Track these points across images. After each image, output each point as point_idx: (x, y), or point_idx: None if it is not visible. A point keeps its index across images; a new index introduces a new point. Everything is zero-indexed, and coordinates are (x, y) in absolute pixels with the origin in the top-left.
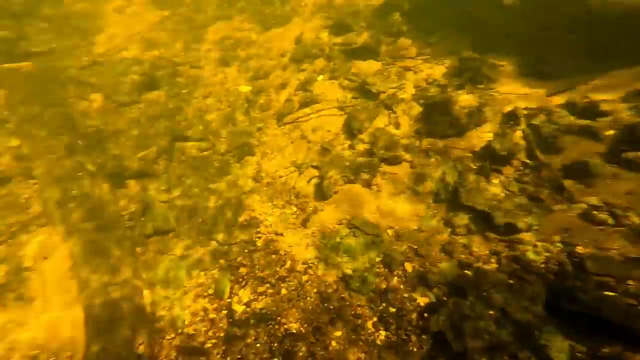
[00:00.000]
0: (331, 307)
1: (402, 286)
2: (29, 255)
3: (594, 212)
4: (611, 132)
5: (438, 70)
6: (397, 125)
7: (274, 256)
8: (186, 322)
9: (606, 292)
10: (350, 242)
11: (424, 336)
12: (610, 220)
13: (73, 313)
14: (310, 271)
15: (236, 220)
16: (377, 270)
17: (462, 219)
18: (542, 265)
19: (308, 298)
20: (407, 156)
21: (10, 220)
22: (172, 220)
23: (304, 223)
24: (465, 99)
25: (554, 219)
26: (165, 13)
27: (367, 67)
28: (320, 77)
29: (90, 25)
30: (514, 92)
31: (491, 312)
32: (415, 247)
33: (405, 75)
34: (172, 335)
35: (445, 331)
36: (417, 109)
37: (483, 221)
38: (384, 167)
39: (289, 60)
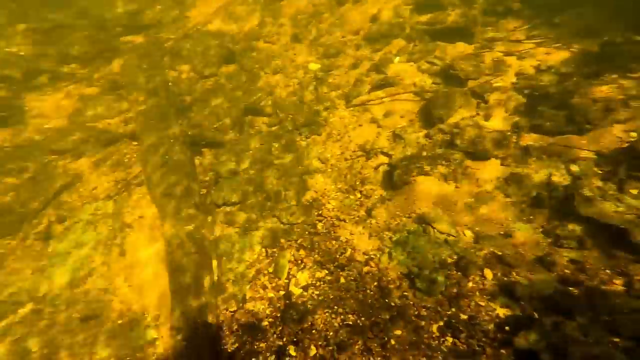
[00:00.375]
0: (392, 303)
1: (478, 293)
2: (130, 212)
3: None
4: None
5: (558, 56)
6: (488, 117)
7: (334, 242)
8: (247, 297)
9: None
10: (418, 237)
11: (503, 350)
12: None
13: (161, 276)
14: (372, 263)
15: (299, 200)
16: (449, 272)
17: (573, 231)
18: None
19: (367, 291)
20: (499, 152)
21: (117, 177)
22: (239, 193)
23: (369, 212)
24: (601, 89)
25: None
26: None
27: (455, 50)
28: (397, 59)
29: None
30: None
31: (617, 339)
32: (500, 253)
33: (506, 61)
34: (234, 308)
35: (540, 351)
36: (517, 100)
37: (608, 236)
38: (467, 162)
39: (362, 39)
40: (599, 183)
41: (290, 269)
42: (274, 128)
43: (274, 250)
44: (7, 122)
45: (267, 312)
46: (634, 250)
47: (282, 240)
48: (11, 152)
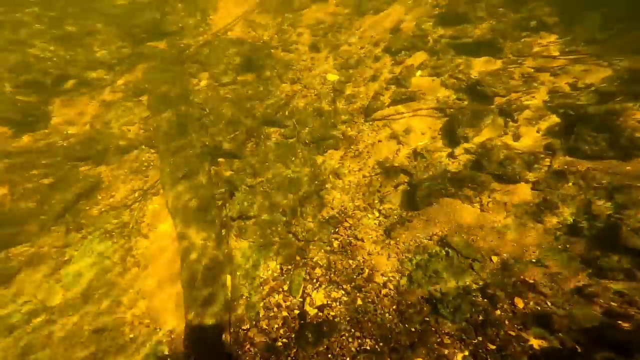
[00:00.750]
0: (412, 329)
1: (507, 322)
2: (146, 222)
3: None
4: None
5: (599, 74)
6: (517, 137)
7: (351, 262)
8: (260, 315)
9: None
10: (440, 261)
11: None
12: None
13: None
14: (391, 285)
15: (315, 216)
16: (474, 299)
17: (619, 262)
18: None
19: (386, 315)
20: (530, 175)
21: (134, 186)
22: (255, 206)
23: (388, 232)
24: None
25: None
26: None
27: (482, 65)
28: (419, 72)
29: (211, 5)
30: None
31: None
32: (531, 281)
33: (538, 77)
34: (247, 326)
35: None
36: (551, 119)
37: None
38: (495, 185)
39: (382, 51)
40: None
41: (305, 287)
42: (290, 140)
43: (289, 267)
44: (33, 127)
45: (281, 332)
46: None
47: (298, 258)
48: (34, 157)
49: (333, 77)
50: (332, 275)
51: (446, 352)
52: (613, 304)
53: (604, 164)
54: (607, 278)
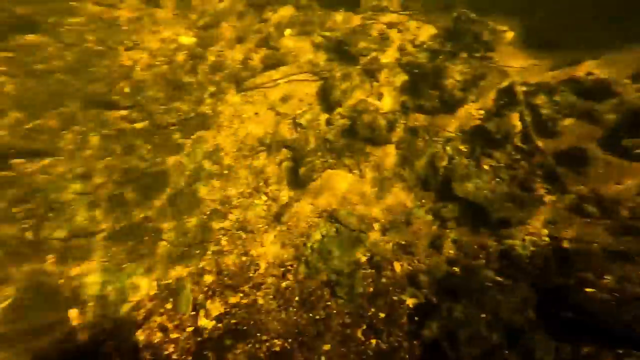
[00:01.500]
0: (317, 317)
1: (391, 288)
2: None
3: (584, 204)
4: (613, 116)
5: (427, 31)
6: (380, 97)
7: (244, 258)
8: (140, 347)
9: (587, 289)
10: (332, 239)
11: (415, 342)
12: (597, 213)
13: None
14: (290, 276)
15: (190, 214)
16: (364, 271)
17: (453, 211)
18: (528, 261)
19: (290, 308)
20: (393, 135)
21: None
22: (97, 219)
23: (278, 217)
24: (459, 70)
25: (543, 211)
26: None
27: (345, 21)
28: (288, 32)
29: None
30: (513, 64)
31: (483, 315)
32: (404, 243)
33: (389, 34)
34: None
35: (441, 340)
36: (402, 77)
37: (474, 214)
38: (368, 149)
39: (246, 5)
40: (466, 162)
41: (195, 299)
42: (139, 125)
43: (168, 281)
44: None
45: (175, 357)
46: (490, 225)
47: (178, 267)
48: None
49: (187, 39)
50: (226, 278)
51: (348, 331)
52: (451, 252)
53: (438, 119)
54: (447, 227)
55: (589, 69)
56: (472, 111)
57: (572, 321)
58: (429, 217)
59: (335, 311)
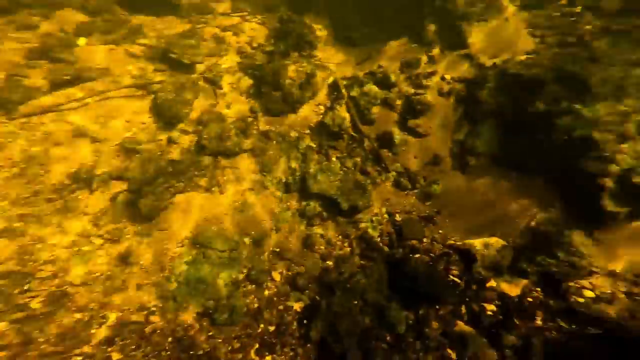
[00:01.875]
0: (201, 351)
1: (275, 298)
2: None
3: (401, 179)
4: (399, 102)
5: (261, 33)
6: (228, 105)
7: (78, 315)
8: None
9: (415, 256)
10: (201, 265)
11: (308, 345)
12: (409, 185)
13: None
14: (155, 318)
15: None
16: (244, 289)
17: (315, 208)
18: (379, 239)
19: (163, 353)
20: (247, 143)
21: None
22: None
23: (124, 259)
24: (293, 69)
25: (379, 190)
26: None
27: (166, 26)
28: (82, 41)
29: None
30: (333, 60)
31: (355, 302)
32: (278, 249)
33: (225, 37)
34: None
35: (326, 337)
36: (246, 82)
37: (331, 206)
38: (223, 162)
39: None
40: (317, 157)
41: None
42: None
43: None
44: None
45: None
46: (346, 213)
47: None
48: None
49: None
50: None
51: (240, 356)
52: (322, 247)
53: (286, 119)
54: (314, 225)
55: (378, 62)
56: (312, 108)
57: (408, 289)
58: (297, 219)
59: (220, 340)
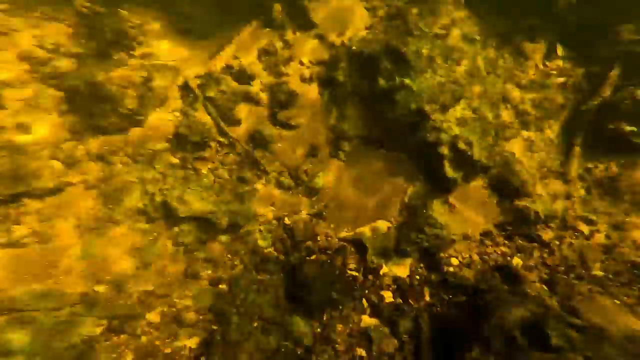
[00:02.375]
0: None
1: (158, 342)
2: None
3: (282, 179)
4: (264, 95)
5: (57, 31)
6: (25, 128)
7: None
8: None
9: (312, 258)
10: (36, 336)
11: None
12: (292, 183)
13: None
14: None
15: None
16: (107, 343)
17: (189, 232)
18: (272, 249)
19: None
20: (72, 174)
21: None
22: None
23: None
24: (119, 74)
25: (262, 196)
26: None
27: None
28: None
29: None
30: (175, 57)
31: (256, 324)
32: (151, 288)
33: None
34: None
35: None
36: (53, 95)
37: (210, 226)
38: (29, 204)
39: None
40: (181, 172)
41: None
42: None
43: None
44: None
45: None
46: (228, 231)
47: None
48: None
49: None
50: None
51: None
52: (209, 272)
53: (124, 136)
54: (191, 250)
55: (232, 54)
56: (164, 116)
57: (303, 295)
58: (170, 248)
59: None
